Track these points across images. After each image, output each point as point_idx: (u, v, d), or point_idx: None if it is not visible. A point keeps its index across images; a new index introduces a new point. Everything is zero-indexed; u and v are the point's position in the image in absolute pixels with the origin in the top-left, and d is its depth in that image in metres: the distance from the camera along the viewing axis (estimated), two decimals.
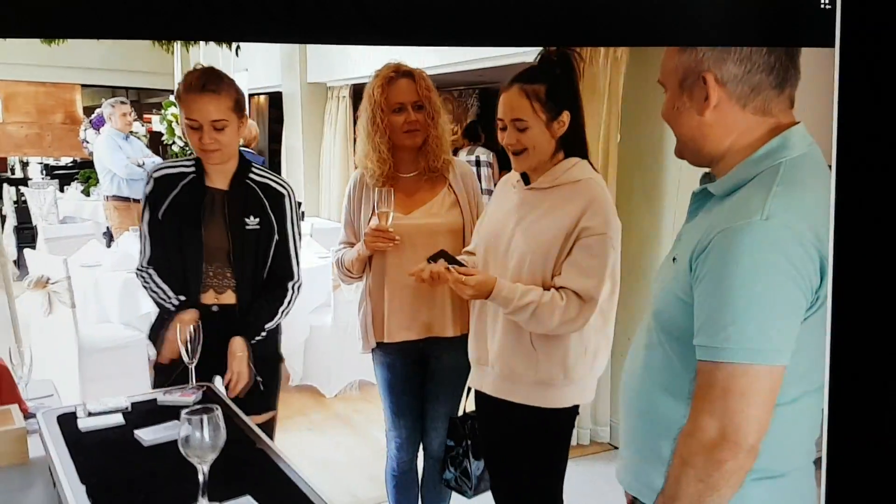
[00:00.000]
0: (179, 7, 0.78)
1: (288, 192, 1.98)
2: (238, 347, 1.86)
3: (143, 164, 4.72)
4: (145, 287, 1.92)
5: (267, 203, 1.94)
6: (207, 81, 1.79)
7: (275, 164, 6.23)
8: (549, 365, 1.64)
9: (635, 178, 2.91)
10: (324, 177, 5.37)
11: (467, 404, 1.96)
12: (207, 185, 1.90)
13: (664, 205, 2.83)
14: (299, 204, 5.67)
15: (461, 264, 1.70)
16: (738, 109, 0.99)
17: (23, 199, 5.49)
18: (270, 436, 1.90)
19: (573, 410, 1.71)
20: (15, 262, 4.80)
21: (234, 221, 1.90)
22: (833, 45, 0.89)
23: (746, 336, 0.97)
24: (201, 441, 1.18)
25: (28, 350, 2.50)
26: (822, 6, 0.89)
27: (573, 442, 1.84)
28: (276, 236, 1.96)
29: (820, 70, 0.92)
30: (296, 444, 3.14)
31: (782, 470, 1.06)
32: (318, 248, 3.92)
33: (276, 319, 2.00)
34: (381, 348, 2.02)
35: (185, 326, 1.70)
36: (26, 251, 4.63)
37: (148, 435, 1.49)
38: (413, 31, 0.86)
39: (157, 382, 1.92)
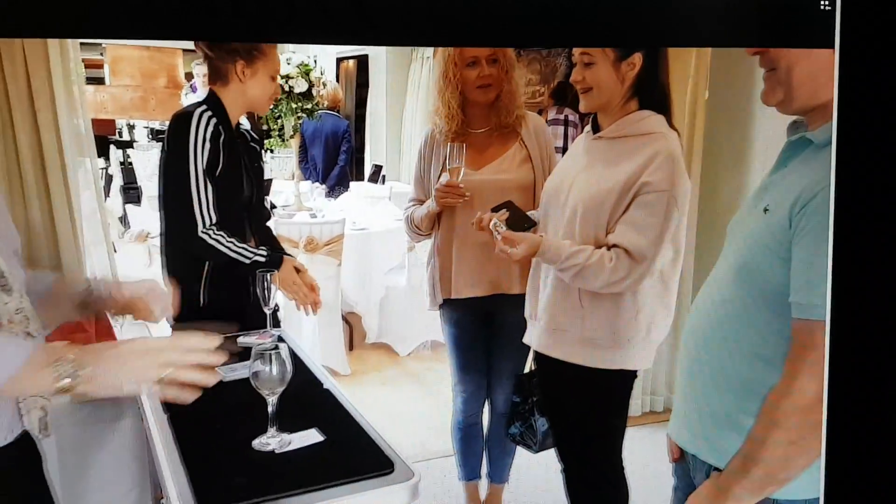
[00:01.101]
0: (180, 8, 0.80)
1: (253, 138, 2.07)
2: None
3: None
4: (218, 245, 1.88)
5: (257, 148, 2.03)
6: None
7: (359, 129, 6.34)
8: (596, 323, 1.59)
9: (723, 136, 2.77)
10: (405, 141, 5.42)
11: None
12: (235, 136, 1.93)
13: (754, 165, 2.69)
14: (380, 167, 5.67)
15: (525, 215, 1.68)
16: None
17: (129, 160, 5.87)
18: None
19: (627, 375, 1.65)
20: (121, 218, 5.16)
21: (254, 167, 1.98)
22: (833, 47, 0.87)
23: (821, 293, 0.93)
24: (269, 374, 1.25)
25: None
26: (822, 7, 0.87)
27: None
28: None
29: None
30: (368, 396, 3.26)
31: None
32: (395, 211, 3.98)
33: None
34: (449, 305, 2.04)
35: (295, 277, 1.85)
36: (129, 208, 4.97)
37: (227, 372, 1.59)
38: (413, 31, 0.87)
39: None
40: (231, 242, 1.88)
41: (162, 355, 1.01)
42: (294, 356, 1.74)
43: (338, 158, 4.75)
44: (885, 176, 0.90)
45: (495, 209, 1.69)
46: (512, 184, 1.93)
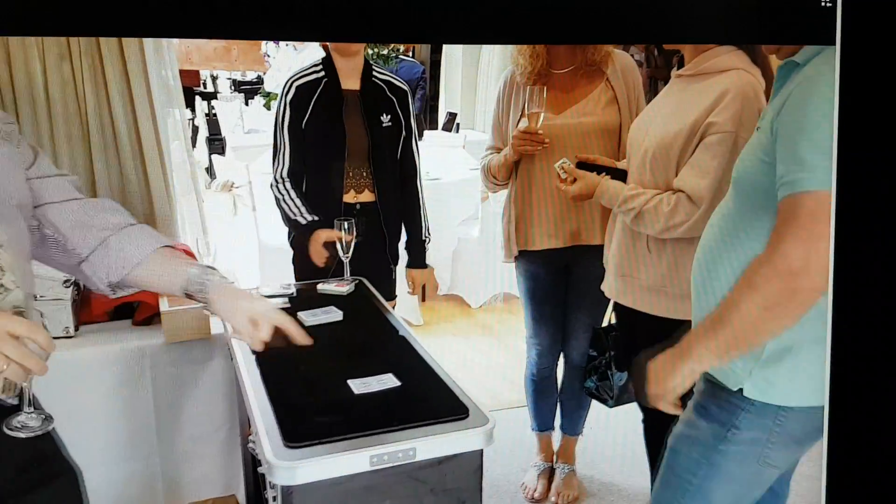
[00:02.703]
0: (176, 3, 0.80)
1: (408, 90, 2.02)
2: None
3: None
4: (279, 199, 1.98)
5: (395, 100, 1.98)
6: None
7: (434, 76, 6.26)
8: (662, 270, 1.55)
9: None
10: (481, 87, 5.31)
11: (612, 315, 1.92)
12: (343, 87, 1.95)
13: None
14: (455, 115, 5.62)
15: (603, 166, 1.63)
16: None
17: (213, 111, 6.05)
18: None
19: None
20: (207, 169, 5.36)
21: (371, 120, 1.96)
22: (834, 43, 0.87)
23: (817, 168, 0.95)
24: None
25: (213, 242, 2.83)
26: (823, 4, 0.87)
27: None
28: (404, 132, 2.01)
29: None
30: (440, 346, 3.30)
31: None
32: (469, 160, 3.94)
33: (424, 213, 2.13)
34: (524, 256, 2.02)
35: (323, 244, 1.88)
36: (215, 158, 5.14)
37: (308, 317, 1.64)
38: (412, 29, 0.85)
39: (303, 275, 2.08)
40: (293, 200, 1.94)
41: None
42: (371, 302, 1.78)
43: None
44: (887, 171, 0.90)
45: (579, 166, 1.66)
46: (595, 127, 1.85)
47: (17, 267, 0.98)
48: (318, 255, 1.93)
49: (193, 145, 5.56)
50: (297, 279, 2.08)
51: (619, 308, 1.72)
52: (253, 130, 5.87)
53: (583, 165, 1.66)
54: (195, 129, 5.85)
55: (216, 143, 5.83)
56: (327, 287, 1.83)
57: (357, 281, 1.89)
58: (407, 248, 2.15)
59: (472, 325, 3.64)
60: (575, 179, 1.63)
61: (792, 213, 0.98)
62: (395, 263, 2.12)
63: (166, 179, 2.32)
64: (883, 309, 0.95)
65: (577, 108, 1.87)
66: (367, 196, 2.01)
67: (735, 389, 1.13)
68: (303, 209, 1.96)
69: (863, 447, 0.97)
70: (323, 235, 1.91)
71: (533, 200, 1.94)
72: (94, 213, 1.12)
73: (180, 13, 0.80)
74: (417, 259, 2.15)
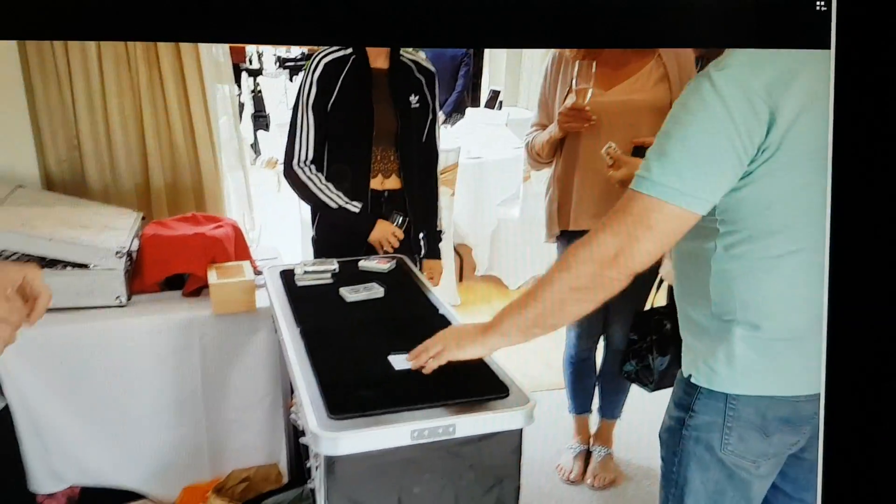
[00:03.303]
0: (168, 7, 0.80)
1: (434, 71, 1.96)
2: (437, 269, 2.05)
3: None
4: (308, 184, 1.89)
5: (423, 81, 1.94)
6: None
7: (478, 52, 6.20)
8: None
9: None
10: (525, 64, 5.24)
11: (656, 299, 1.90)
12: (371, 65, 1.89)
13: None
14: (498, 92, 5.52)
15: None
16: None
17: (258, 88, 6.12)
18: None
19: None
20: (251, 145, 5.44)
21: (399, 101, 1.90)
22: (829, 47, 0.86)
23: (666, 172, 0.98)
24: None
25: (258, 218, 2.88)
26: (818, 8, 0.87)
27: None
28: (430, 115, 1.96)
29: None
30: None
31: (777, 334, 1.06)
32: (511, 139, 3.90)
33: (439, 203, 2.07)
34: (566, 236, 2.00)
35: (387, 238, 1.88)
36: (260, 134, 5.21)
37: (349, 293, 1.67)
38: (410, 32, 0.85)
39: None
40: (326, 185, 1.89)
41: None
42: (412, 280, 1.80)
43: (455, 84, 4.67)
44: (882, 176, 0.90)
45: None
46: (644, 105, 1.80)
47: None
48: (384, 242, 1.92)
49: (239, 122, 5.65)
50: (317, 256, 2.05)
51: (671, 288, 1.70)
52: None
53: (639, 150, 1.63)
54: (241, 106, 5.94)
55: (261, 120, 5.91)
56: (369, 264, 1.85)
57: (398, 258, 1.90)
58: (424, 238, 2.06)
59: None
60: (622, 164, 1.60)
61: (624, 207, 1.01)
62: (420, 253, 2.05)
63: (215, 155, 2.37)
64: (881, 314, 0.93)
65: (627, 84, 1.83)
66: (394, 182, 1.96)
67: (686, 376, 1.15)
68: (341, 195, 1.90)
69: (860, 440, 0.95)
70: (389, 229, 1.90)
71: (576, 179, 1.92)
72: None
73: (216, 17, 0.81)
74: (434, 249, 2.08)
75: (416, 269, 1.87)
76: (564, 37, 0.90)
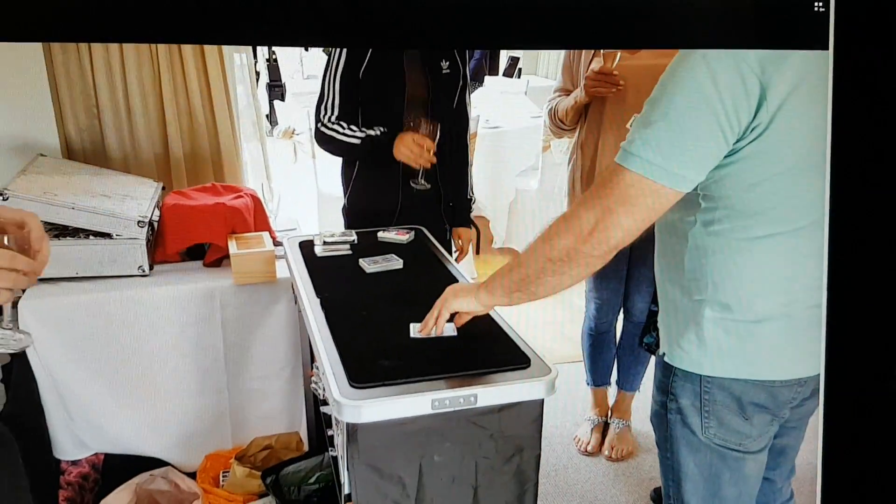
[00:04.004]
0: (171, 9, 0.78)
1: None
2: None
3: None
4: (332, 137, 1.89)
5: None
6: None
7: None
8: None
9: None
10: None
11: None
12: None
13: None
14: (517, 59, 5.42)
15: None
16: None
17: (274, 57, 6.07)
18: None
19: None
20: (267, 116, 5.42)
21: (430, 66, 1.89)
22: (827, 48, 0.86)
23: (647, 146, 0.94)
24: None
25: (277, 188, 2.88)
26: (816, 8, 0.86)
27: None
28: (461, 81, 1.95)
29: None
30: None
31: (748, 316, 1.05)
32: (530, 108, 3.84)
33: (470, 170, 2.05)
34: None
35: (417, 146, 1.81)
36: (276, 103, 5.18)
37: (368, 264, 1.66)
38: (409, 34, 0.83)
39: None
40: (345, 129, 1.88)
41: None
42: (430, 251, 1.79)
43: (474, 50, 4.60)
44: (881, 177, 0.89)
45: None
46: None
47: None
48: (411, 154, 1.83)
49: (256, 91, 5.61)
50: (348, 226, 2.07)
51: None
52: (313, 76, 5.88)
53: None
54: (256, 75, 5.91)
55: (276, 90, 5.87)
56: (387, 235, 1.85)
57: (417, 230, 1.89)
58: (453, 206, 2.07)
59: None
60: None
61: (604, 181, 0.98)
62: (451, 222, 2.06)
63: (233, 124, 2.36)
64: (878, 312, 0.93)
65: None
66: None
67: (661, 354, 1.15)
68: (363, 128, 1.88)
69: (857, 427, 0.94)
70: (411, 136, 1.83)
71: (601, 147, 1.88)
72: None
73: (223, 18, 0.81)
74: (465, 217, 2.09)
75: (434, 241, 1.86)
76: (564, 37, 0.89)
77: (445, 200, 2.02)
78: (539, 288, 1.08)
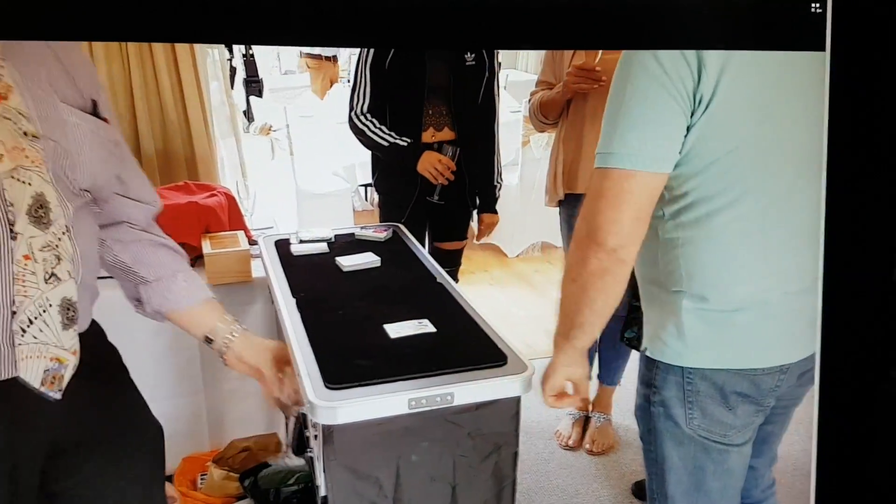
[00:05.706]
0: (169, 8, 0.77)
1: None
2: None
3: None
4: (364, 131, 2.02)
5: None
6: None
7: None
8: None
9: None
10: None
11: None
12: None
13: None
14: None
15: None
16: None
17: (251, 52, 6.00)
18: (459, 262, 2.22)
19: None
20: (244, 112, 5.36)
21: (453, 57, 1.96)
22: (824, 49, 0.86)
23: (621, 141, 0.97)
24: None
25: (252, 186, 2.84)
26: (813, 9, 0.86)
27: None
28: (487, 73, 1.99)
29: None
30: (476, 295, 3.29)
31: (724, 305, 1.05)
32: (510, 102, 3.83)
33: (498, 157, 2.15)
34: (571, 200, 1.97)
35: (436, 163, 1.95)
36: (253, 99, 5.12)
37: (346, 262, 1.65)
38: (409, 35, 0.82)
39: (387, 217, 2.14)
40: (379, 128, 1.99)
41: None
42: (410, 250, 1.78)
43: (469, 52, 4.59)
44: (877, 179, 0.90)
45: None
46: None
47: (79, 258, 0.97)
48: (433, 171, 1.98)
49: (231, 87, 5.55)
50: (382, 219, 2.16)
51: None
52: (290, 71, 5.82)
53: None
54: (233, 71, 5.83)
55: (254, 86, 5.80)
56: (365, 233, 1.83)
57: (394, 227, 1.88)
58: (479, 192, 2.17)
59: (508, 274, 3.62)
60: None
61: (594, 187, 1.01)
62: (474, 207, 2.18)
63: (206, 121, 2.32)
64: (874, 311, 0.93)
65: None
66: (446, 135, 2.04)
67: (643, 349, 1.16)
68: (393, 134, 2.00)
69: (853, 415, 0.95)
70: (436, 156, 1.98)
71: (583, 142, 1.88)
72: (164, 253, 1.17)
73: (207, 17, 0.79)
74: (491, 203, 2.19)
75: (412, 238, 1.85)
76: (559, 38, 0.88)
77: (472, 187, 2.12)
78: (580, 315, 1.08)
